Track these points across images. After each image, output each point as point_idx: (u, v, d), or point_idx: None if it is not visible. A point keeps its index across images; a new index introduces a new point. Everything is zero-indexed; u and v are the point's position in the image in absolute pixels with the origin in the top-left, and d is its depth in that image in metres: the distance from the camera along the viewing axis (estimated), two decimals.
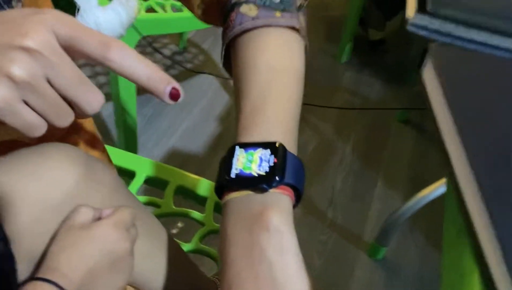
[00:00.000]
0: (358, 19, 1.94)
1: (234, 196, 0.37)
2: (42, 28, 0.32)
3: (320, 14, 2.24)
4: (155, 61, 1.86)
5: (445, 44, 0.41)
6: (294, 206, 0.38)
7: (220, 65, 0.48)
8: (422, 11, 0.45)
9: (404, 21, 0.46)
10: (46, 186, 0.38)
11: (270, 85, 0.41)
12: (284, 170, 0.37)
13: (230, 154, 0.38)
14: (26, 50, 0.32)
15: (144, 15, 1.08)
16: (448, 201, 0.38)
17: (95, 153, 0.55)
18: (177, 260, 0.54)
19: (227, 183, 0.37)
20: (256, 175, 0.36)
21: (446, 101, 0.33)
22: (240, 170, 0.37)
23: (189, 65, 1.86)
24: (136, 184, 0.79)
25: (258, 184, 0.36)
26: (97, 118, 1.61)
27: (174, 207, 0.78)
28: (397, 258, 1.35)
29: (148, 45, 1.88)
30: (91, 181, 0.42)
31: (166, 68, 1.82)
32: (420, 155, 1.66)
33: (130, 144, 1.30)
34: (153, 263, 0.50)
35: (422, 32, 0.46)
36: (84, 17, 0.36)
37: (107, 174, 0.44)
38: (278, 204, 0.36)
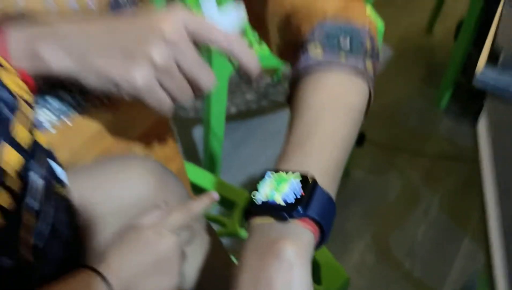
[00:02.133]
0: (461, 67, 1.85)
1: (256, 222, 0.38)
2: (177, 22, 0.40)
3: (422, 56, 2.18)
4: (246, 93, 1.91)
5: (504, 101, 0.40)
6: (318, 244, 0.38)
7: None
8: (492, 65, 0.44)
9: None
10: (121, 189, 0.45)
11: (317, 122, 0.43)
12: (309, 203, 0.37)
13: (260, 178, 0.40)
14: (164, 39, 0.40)
15: None
16: None
17: (173, 166, 0.60)
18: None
19: (251, 208, 0.38)
20: (280, 203, 0.37)
21: (493, 157, 0.32)
22: (267, 196, 0.38)
23: (281, 97, 1.90)
24: None
25: (279, 212, 0.37)
26: (188, 140, 1.70)
27: (239, 228, 0.81)
28: None
29: (240, 78, 1.96)
30: (162, 190, 0.46)
31: (258, 99, 1.88)
32: None
33: (213, 165, 1.36)
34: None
35: (488, 87, 0.45)
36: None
37: (178, 187, 0.49)
38: (296, 236, 0.36)
